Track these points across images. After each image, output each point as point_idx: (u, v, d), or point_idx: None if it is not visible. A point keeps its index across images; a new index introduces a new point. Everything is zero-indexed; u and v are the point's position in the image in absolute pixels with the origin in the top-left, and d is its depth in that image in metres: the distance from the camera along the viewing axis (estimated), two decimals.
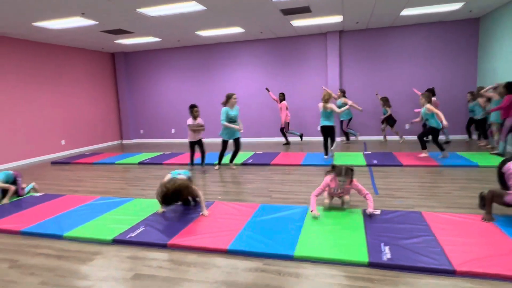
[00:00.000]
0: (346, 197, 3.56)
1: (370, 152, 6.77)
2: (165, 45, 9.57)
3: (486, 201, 3.08)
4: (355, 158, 6.16)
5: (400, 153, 6.52)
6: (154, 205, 3.95)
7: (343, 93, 7.92)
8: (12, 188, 4.49)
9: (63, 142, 8.73)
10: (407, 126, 8.53)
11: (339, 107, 7.21)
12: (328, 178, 3.52)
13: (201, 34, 8.12)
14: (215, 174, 5.68)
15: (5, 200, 4.39)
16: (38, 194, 4.73)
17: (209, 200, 4.14)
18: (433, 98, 6.71)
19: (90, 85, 9.61)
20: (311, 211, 3.30)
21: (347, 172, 3.42)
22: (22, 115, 7.62)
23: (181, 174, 3.84)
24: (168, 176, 3.77)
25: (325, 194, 3.62)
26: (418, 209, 3.54)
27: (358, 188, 3.48)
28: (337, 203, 3.65)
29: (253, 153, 7.31)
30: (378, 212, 3.37)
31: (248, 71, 9.50)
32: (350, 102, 7.35)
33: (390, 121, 7.88)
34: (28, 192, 4.83)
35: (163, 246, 2.93)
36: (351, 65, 8.75)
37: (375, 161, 5.83)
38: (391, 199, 3.92)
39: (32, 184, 4.94)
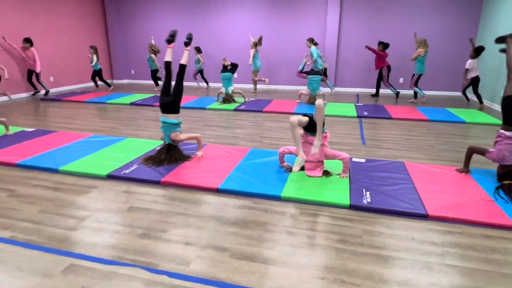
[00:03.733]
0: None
1: (362, 104, 6.83)
2: None
3: (465, 156, 3.24)
4: (346, 109, 6.23)
5: (391, 106, 6.60)
6: (147, 145, 4.03)
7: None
8: (4, 119, 4.50)
9: (51, 78, 8.50)
10: (401, 80, 8.51)
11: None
12: None
13: None
14: (208, 118, 5.71)
15: (9, 132, 4.49)
16: (30, 129, 4.73)
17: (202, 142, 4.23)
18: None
19: (78, 20, 9.10)
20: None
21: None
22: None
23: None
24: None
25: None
26: (402, 159, 3.70)
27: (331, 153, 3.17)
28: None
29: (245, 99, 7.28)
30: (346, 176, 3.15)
31: (243, 13, 9.07)
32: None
33: None
34: None
35: (156, 183, 3.06)
36: (352, 13, 8.42)
37: (365, 113, 5.91)
38: (377, 150, 4.07)
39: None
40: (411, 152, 4.01)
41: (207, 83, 9.42)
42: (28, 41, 7.24)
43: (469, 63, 6.31)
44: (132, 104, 6.89)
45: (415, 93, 7.23)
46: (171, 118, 3.49)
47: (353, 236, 2.26)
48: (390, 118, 5.67)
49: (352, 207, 2.63)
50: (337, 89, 9.00)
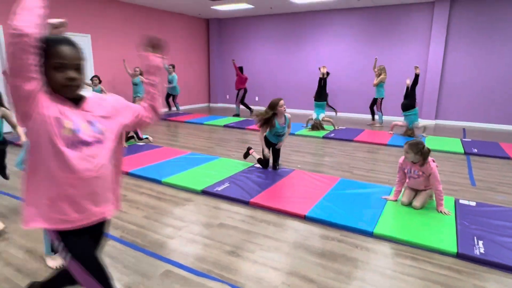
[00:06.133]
0: (417, 202, 2.96)
1: (469, 140, 6.06)
2: (258, 12, 9.64)
3: None
4: (451, 144, 5.60)
5: (508, 144, 5.70)
6: (238, 165, 4.22)
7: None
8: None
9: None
10: None
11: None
12: (401, 158, 3.10)
13: (295, 1, 7.93)
14: (296, 144, 5.74)
15: (124, 144, 5.20)
16: (141, 144, 5.41)
17: (289, 167, 4.26)
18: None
19: (185, 49, 10.29)
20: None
21: (414, 146, 2.87)
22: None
23: None
24: None
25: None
26: None
27: (432, 172, 2.87)
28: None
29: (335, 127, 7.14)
30: (449, 213, 2.88)
31: (339, 43, 9.07)
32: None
33: None
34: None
35: (245, 203, 3.15)
36: (459, 41, 7.70)
37: (475, 150, 5.21)
38: (491, 193, 3.51)
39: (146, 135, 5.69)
40: None
41: (178, 108, 9.24)
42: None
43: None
44: (226, 126, 7.36)
45: (373, 115, 7.87)
46: None
47: None
48: (508, 158, 4.88)
49: (459, 256, 2.28)
50: (440, 121, 8.20)
